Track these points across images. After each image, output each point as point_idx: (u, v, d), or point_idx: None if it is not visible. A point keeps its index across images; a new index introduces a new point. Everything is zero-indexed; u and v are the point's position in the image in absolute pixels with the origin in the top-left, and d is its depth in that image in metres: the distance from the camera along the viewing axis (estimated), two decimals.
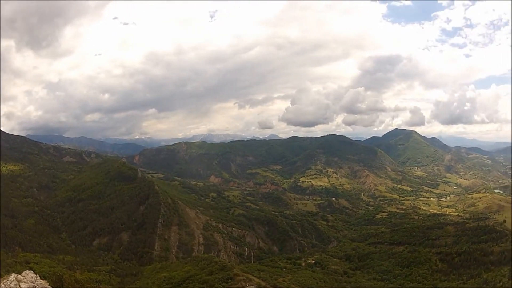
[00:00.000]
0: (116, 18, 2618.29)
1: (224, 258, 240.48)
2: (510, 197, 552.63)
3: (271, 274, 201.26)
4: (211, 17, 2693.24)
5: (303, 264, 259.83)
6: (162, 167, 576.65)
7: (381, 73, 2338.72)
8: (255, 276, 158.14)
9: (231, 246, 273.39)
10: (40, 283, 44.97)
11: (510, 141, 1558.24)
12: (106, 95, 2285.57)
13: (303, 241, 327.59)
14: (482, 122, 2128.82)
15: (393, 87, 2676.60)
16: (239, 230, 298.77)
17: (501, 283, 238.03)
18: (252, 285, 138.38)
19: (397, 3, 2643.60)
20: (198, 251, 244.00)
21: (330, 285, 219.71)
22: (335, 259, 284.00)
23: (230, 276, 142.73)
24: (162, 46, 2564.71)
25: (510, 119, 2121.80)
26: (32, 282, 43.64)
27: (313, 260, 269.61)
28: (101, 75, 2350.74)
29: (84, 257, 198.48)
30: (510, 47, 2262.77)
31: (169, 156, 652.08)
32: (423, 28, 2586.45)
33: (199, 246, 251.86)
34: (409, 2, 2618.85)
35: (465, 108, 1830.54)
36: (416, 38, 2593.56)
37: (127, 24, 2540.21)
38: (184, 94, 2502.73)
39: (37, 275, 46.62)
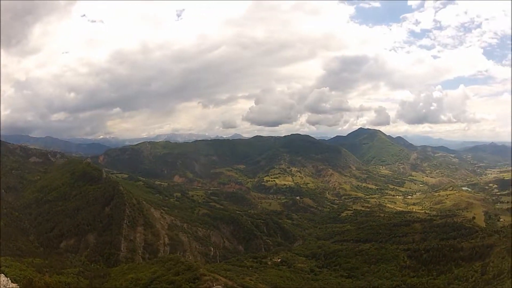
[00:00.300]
0: (84, 15, 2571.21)
1: (190, 258, 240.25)
2: (479, 194, 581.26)
3: (237, 273, 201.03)
4: (178, 16, 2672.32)
5: (269, 263, 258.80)
6: (126, 167, 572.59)
7: (346, 73, 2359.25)
8: (221, 276, 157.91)
9: (197, 246, 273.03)
10: (12, 287, 45.02)
11: (477, 140, 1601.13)
12: (72, 94, 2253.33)
13: (268, 240, 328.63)
14: (449, 121, 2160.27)
15: (358, 87, 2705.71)
16: (204, 230, 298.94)
17: (473, 278, 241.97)
18: (219, 285, 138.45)
19: (366, 5, 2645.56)
20: (164, 252, 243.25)
21: (297, 283, 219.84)
22: (301, 258, 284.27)
23: (196, 276, 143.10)
24: (128, 44, 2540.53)
25: (478, 118, 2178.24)
26: (4, 286, 43.66)
27: (279, 258, 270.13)
28: (67, 73, 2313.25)
29: (53, 260, 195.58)
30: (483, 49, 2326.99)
31: (134, 156, 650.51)
32: (390, 29, 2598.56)
33: (165, 247, 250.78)
34: (377, 4, 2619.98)
35: (432, 108, 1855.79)
36: (383, 39, 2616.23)
37: (94, 22, 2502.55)
38: (149, 93, 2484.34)
39: (8, 278, 46.62)
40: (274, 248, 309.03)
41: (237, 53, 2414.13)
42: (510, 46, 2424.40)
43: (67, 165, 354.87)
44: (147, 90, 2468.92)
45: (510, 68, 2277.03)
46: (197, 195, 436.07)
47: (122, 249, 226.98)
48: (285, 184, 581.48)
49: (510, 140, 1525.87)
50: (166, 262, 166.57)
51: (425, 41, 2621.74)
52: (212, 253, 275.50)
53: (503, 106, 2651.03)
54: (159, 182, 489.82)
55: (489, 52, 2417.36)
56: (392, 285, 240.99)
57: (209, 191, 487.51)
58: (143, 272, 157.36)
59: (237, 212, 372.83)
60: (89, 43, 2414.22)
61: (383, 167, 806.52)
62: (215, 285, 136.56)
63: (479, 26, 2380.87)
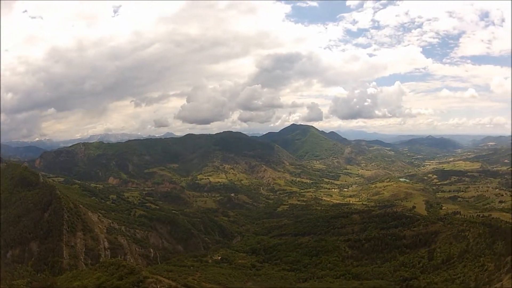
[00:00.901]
0: (25, 11, 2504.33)
1: (131, 261, 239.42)
2: (418, 185, 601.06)
3: (179, 273, 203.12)
4: (115, 12, 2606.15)
5: (210, 261, 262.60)
6: (62, 170, 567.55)
7: (279, 70, 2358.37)
8: (164, 277, 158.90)
9: (136, 249, 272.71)
10: None
11: (414, 134, 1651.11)
12: (10, 94, 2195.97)
13: (206, 238, 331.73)
14: (384, 116, 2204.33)
15: (291, 84, 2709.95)
16: (142, 232, 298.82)
17: (420, 264, 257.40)
18: (163, 286, 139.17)
19: (302, 4, 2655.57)
20: (105, 256, 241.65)
21: (240, 279, 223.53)
22: (241, 254, 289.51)
23: (140, 279, 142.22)
24: (64, 42, 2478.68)
25: (414, 113, 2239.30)
26: None
27: (219, 256, 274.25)
28: (6, 72, 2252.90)
29: (2, 271, 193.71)
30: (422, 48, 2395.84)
31: (68, 158, 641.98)
32: (326, 28, 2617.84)
33: (106, 251, 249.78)
34: (314, 3, 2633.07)
35: (366, 103, 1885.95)
36: (318, 38, 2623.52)
37: (34, 18, 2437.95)
38: (83, 93, 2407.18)
39: None
40: (213, 246, 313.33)
41: (170, 51, 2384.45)
42: (452, 45, 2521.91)
43: (5, 170, 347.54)
44: (81, 89, 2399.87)
45: (450, 66, 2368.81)
46: (133, 196, 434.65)
47: (64, 256, 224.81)
48: (219, 182, 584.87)
49: (448, 133, 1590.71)
50: (108, 266, 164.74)
51: (361, 40, 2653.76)
52: (152, 254, 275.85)
53: (441, 101, 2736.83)
54: (95, 185, 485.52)
55: (429, 51, 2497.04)
56: (336, 275, 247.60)
57: (144, 192, 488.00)
58: (88, 278, 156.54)
59: (173, 211, 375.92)
60: (28, 41, 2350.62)
61: (317, 161, 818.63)
62: (160, 287, 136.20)
63: (419, 26, 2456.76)
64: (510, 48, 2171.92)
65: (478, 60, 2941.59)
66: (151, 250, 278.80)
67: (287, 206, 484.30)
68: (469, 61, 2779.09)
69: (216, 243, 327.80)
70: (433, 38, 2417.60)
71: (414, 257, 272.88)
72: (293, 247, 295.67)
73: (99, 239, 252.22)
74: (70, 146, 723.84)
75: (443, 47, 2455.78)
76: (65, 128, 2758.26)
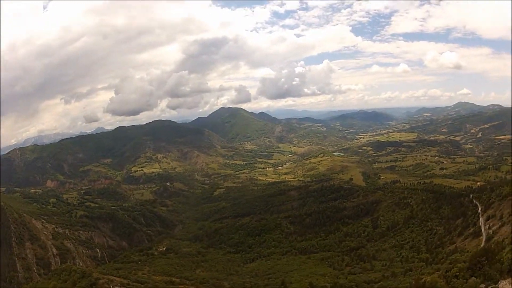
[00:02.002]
0: None
1: (81, 264, 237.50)
2: (353, 157, 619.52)
3: (129, 270, 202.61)
4: (44, 8, 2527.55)
5: (156, 253, 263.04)
6: (2, 179, 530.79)
7: (205, 55, 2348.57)
8: (115, 276, 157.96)
9: (83, 251, 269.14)
10: None
11: (345, 109, 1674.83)
12: None
13: (149, 231, 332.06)
14: (314, 94, 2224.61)
15: (218, 68, 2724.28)
16: (86, 232, 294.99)
17: (366, 233, 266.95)
18: (116, 285, 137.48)
19: None
20: (55, 263, 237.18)
21: (188, 268, 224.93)
22: (185, 242, 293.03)
23: (92, 281, 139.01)
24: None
25: (344, 89, 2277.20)
26: None
27: (164, 247, 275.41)
28: None
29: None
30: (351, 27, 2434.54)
31: (7, 166, 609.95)
32: (253, 11, 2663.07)
33: (55, 258, 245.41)
34: None
35: (294, 83, 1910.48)
36: (245, 21, 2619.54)
37: None
38: (14, 95, 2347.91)
39: None
40: (156, 238, 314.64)
41: (97, 43, 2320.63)
42: (384, 23, 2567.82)
43: None
44: (13, 92, 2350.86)
45: (381, 44, 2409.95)
46: (71, 197, 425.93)
47: (18, 269, 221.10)
48: (153, 172, 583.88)
49: (380, 107, 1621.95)
50: (60, 274, 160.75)
51: (288, 21, 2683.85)
52: (99, 254, 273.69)
53: (372, 76, 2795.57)
54: (34, 190, 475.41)
55: (359, 30, 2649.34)
56: (282, 252, 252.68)
57: (81, 191, 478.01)
58: None
59: (112, 208, 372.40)
60: None
61: (249, 142, 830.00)
62: (112, 286, 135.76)
63: (349, 6, 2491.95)
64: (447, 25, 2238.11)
65: (410, 37, 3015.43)
66: (98, 250, 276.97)
67: (224, 189, 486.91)
68: (401, 38, 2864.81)
69: (158, 234, 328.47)
70: (363, 17, 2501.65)
71: (358, 227, 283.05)
72: (235, 229, 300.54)
73: (47, 246, 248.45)
74: (7, 153, 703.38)
75: (373, 25, 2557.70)
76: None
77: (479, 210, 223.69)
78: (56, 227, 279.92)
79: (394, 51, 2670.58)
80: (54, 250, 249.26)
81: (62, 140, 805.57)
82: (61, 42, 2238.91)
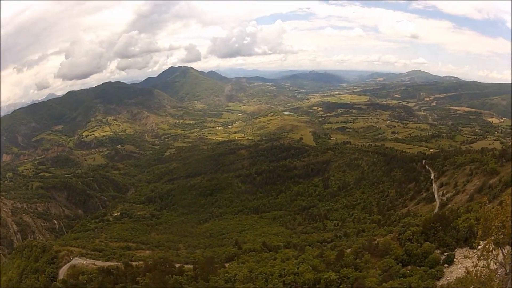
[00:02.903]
0: None
1: (41, 238, 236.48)
2: (304, 117, 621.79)
3: (86, 238, 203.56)
4: None
5: (111, 219, 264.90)
6: None
7: (156, 15, 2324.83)
8: (74, 247, 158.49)
9: (42, 224, 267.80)
10: None
11: (296, 69, 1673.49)
12: None
13: (102, 196, 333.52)
14: (264, 53, 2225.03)
15: (167, 28, 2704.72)
16: (43, 204, 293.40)
17: (317, 192, 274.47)
18: (76, 256, 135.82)
19: None
20: (17, 240, 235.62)
21: (143, 231, 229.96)
22: (138, 205, 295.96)
23: (53, 255, 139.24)
24: None
25: (295, 50, 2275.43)
26: None
27: (118, 212, 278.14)
28: None
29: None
30: None
31: None
32: None
33: (16, 235, 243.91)
34: None
35: (245, 42, 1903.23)
36: None
37: None
38: None
39: None
40: (110, 203, 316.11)
41: (48, 10, 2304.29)
42: None
43: None
44: None
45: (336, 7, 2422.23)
46: (26, 169, 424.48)
47: None
48: (104, 135, 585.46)
49: (332, 69, 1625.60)
50: (23, 251, 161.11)
51: None
52: (57, 226, 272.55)
53: (325, 38, 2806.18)
54: None
55: None
56: (234, 211, 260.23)
57: (36, 162, 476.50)
58: (11, 270, 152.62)
59: (66, 176, 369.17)
60: None
61: (198, 101, 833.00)
62: (72, 258, 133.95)
63: None
64: None
65: (367, 3, 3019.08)
66: (55, 222, 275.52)
67: (174, 150, 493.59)
68: (357, 3, 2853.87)
69: (112, 199, 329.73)
70: None
71: (309, 186, 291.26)
72: (186, 190, 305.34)
73: (8, 224, 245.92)
74: None
75: None
76: None
77: (432, 176, 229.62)
78: (14, 202, 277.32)
79: (349, 15, 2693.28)
80: (14, 227, 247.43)
81: (15, 111, 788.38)
82: (12, 12, 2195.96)
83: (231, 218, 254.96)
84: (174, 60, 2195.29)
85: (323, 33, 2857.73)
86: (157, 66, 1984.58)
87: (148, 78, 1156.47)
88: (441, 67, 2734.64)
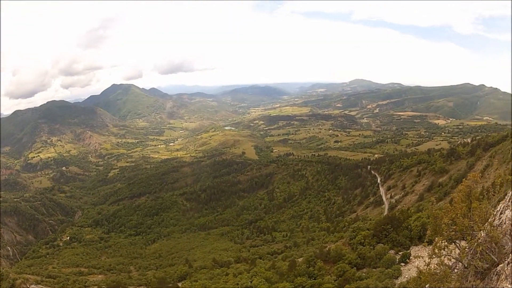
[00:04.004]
0: None
1: None
2: (245, 131, 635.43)
3: (40, 265, 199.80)
4: None
5: (61, 244, 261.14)
6: None
7: (101, 30, 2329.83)
8: (29, 274, 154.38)
9: None
10: None
11: (236, 84, 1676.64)
12: None
13: (51, 221, 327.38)
14: (205, 69, 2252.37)
15: (112, 44, 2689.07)
16: None
17: (262, 205, 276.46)
18: (32, 284, 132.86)
19: None
20: None
21: (93, 255, 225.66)
22: (86, 229, 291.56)
23: (11, 283, 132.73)
24: None
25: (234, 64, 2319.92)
26: None
27: (67, 236, 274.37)
28: None
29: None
30: None
31: None
32: None
33: None
34: None
35: (186, 58, 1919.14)
36: None
37: None
38: None
39: None
40: (59, 227, 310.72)
41: None
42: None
43: None
44: None
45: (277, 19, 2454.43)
46: None
47: None
48: (49, 157, 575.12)
49: (273, 82, 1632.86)
50: None
51: None
52: (11, 253, 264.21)
53: (267, 52, 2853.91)
54: None
55: (260, 6, 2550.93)
56: (182, 230, 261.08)
57: None
58: None
59: (15, 200, 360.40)
60: None
61: (140, 119, 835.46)
62: (28, 286, 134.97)
63: None
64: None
65: (311, 14, 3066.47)
66: (9, 249, 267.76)
67: (118, 170, 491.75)
68: (300, 16, 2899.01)
69: (60, 223, 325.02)
70: None
71: (254, 199, 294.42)
72: (132, 211, 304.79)
73: None
74: None
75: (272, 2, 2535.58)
76: None
77: (378, 181, 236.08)
78: None
79: (292, 29, 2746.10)
80: None
81: None
82: None
83: (179, 237, 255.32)
84: (117, 77, 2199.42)
85: (265, 47, 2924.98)
86: (100, 83, 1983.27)
87: (91, 96, 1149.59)
88: (385, 75, 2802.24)
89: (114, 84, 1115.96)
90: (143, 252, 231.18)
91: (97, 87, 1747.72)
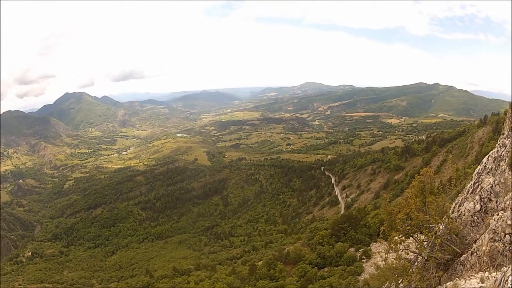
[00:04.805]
0: None
1: None
2: (197, 138, 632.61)
3: (7, 283, 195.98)
4: None
5: (24, 260, 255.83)
6: None
7: (53, 38, 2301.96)
8: None
9: None
10: None
11: (187, 90, 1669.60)
12: None
13: (12, 236, 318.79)
14: (156, 75, 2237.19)
15: (65, 51, 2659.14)
16: None
17: (218, 211, 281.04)
18: None
19: None
20: None
21: (56, 270, 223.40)
22: (46, 243, 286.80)
23: None
24: None
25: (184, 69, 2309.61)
26: None
27: (29, 252, 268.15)
28: None
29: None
30: None
31: None
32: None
33: None
34: None
35: (137, 64, 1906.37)
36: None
37: None
38: None
39: None
40: (20, 243, 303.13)
41: None
42: (235, 6, 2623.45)
43: None
44: None
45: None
46: None
47: None
48: (6, 170, 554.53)
49: (224, 87, 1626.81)
50: None
51: None
52: None
53: (218, 57, 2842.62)
54: None
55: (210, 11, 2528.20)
56: (139, 240, 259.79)
57: None
58: None
59: None
60: None
61: (93, 129, 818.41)
62: None
63: None
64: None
65: (264, 20, 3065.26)
66: None
67: (73, 181, 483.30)
68: (252, 22, 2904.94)
69: (21, 238, 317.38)
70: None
71: (209, 206, 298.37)
72: (89, 223, 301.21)
73: None
74: None
75: (225, 8, 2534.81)
76: None
77: (333, 181, 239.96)
78: None
79: (247, 33, 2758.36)
80: None
81: None
82: None
83: (138, 247, 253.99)
84: (70, 85, 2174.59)
85: (217, 52, 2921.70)
86: (54, 92, 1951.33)
87: (44, 105, 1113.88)
88: (336, 77, 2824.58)
89: (67, 93, 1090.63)
90: (103, 265, 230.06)
91: (51, 96, 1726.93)
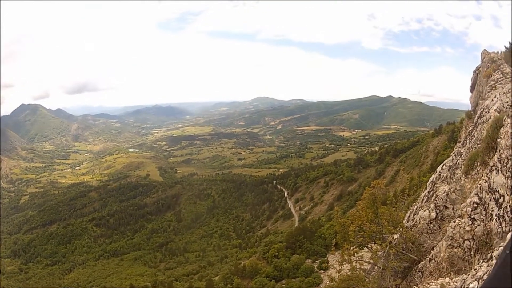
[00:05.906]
0: None
1: None
2: (149, 153, 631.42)
3: None
4: None
5: None
6: None
7: (13, 46, 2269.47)
8: None
9: None
10: None
11: (139, 104, 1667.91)
12: None
13: None
14: (109, 88, 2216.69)
15: (21, 60, 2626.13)
16: None
17: (171, 227, 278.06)
18: None
19: None
20: None
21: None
22: (6, 260, 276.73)
23: None
24: None
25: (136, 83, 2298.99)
26: None
27: None
28: None
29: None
30: None
31: None
32: None
33: None
34: None
35: (91, 77, 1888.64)
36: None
37: None
38: None
39: None
40: None
41: None
42: (190, 20, 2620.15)
43: None
44: None
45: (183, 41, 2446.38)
46: None
47: None
48: None
49: (176, 102, 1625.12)
50: None
51: None
52: None
53: (169, 71, 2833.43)
54: None
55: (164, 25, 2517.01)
56: (95, 257, 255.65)
57: None
58: None
59: None
60: None
61: (47, 142, 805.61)
62: None
63: None
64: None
65: (215, 34, 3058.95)
66: None
67: (28, 196, 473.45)
68: (204, 36, 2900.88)
69: None
70: (173, 13, 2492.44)
71: (163, 222, 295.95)
72: (46, 239, 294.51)
73: None
74: None
75: (180, 22, 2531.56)
76: None
77: (286, 194, 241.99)
78: None
79: (199, 47, 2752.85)
80: None
81: None
82: None
83: (94, 264, 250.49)
84: (26, 96, 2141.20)
85: (169, 66, 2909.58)
86: (11, 102, 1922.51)
87: (1, 117, 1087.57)
88: (288, 92, 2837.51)
89: (22, 104, 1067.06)
90: (62, 283, 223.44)
91: (8, 107, 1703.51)
